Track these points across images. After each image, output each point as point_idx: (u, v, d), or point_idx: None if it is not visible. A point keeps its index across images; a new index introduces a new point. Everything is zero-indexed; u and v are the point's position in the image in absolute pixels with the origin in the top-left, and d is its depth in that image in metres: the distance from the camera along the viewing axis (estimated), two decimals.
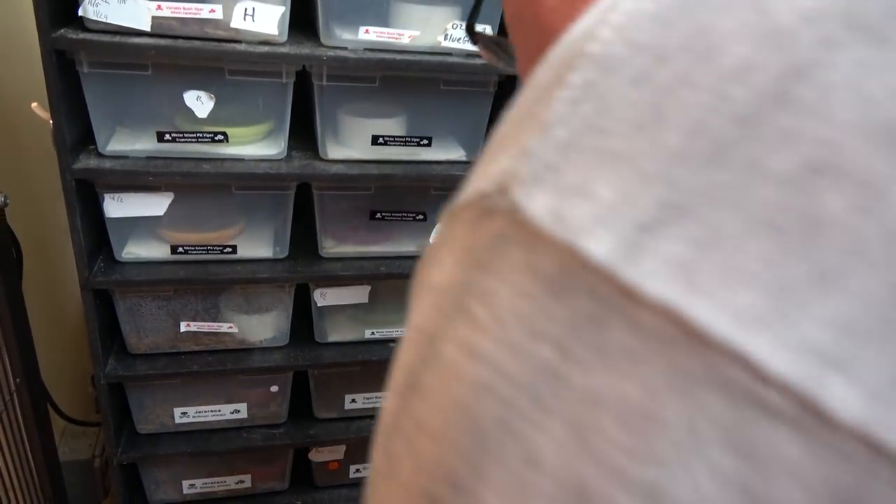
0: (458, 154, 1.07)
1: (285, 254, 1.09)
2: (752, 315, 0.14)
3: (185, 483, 1.24)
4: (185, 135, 0.95)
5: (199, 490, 1.25)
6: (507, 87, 1.02)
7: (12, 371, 1.10)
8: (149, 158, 0.95)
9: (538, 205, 0.17)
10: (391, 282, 1.15)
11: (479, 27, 0.47)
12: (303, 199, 1.06)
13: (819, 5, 0.16)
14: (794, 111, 0.15)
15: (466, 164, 1.07)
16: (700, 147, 0.15)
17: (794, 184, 0.14)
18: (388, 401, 0.23)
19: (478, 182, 0.20)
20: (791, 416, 0.14)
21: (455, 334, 0.18)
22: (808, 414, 0.13)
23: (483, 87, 1.02)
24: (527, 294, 0.17)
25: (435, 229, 0.23)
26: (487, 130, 1.07)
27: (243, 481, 1.27)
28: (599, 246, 0.16)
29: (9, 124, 1.26)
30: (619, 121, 0.17)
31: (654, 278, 0.15)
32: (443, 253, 0.20)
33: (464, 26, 0.46)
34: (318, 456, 1.28)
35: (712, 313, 0.14)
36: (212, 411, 1.17)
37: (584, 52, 0.18)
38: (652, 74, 0.17)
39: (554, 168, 0.17)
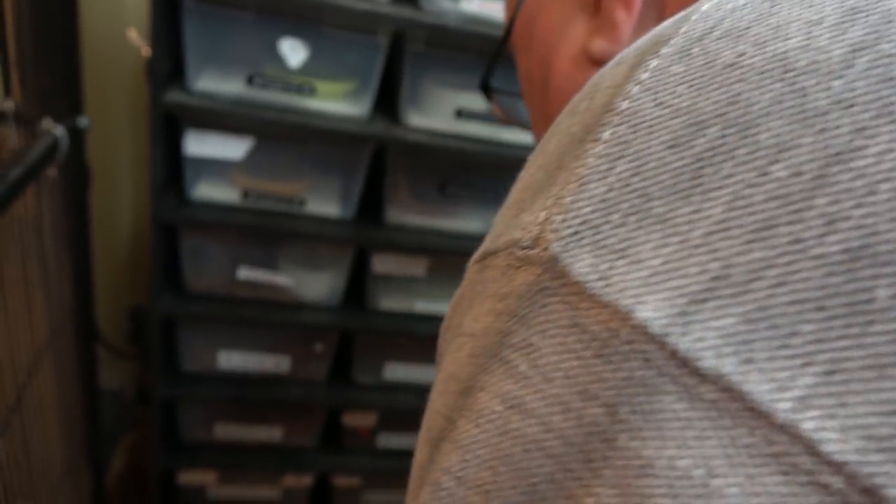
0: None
1: (351, 215, 1.08)
2: (811, 397, 0.14)
3: (219, 426, 1.25)
4: (275, 81, 0.95)
5: (230, 435, 1.26)
6: None
7: (70, 293, 1.11)
8: (235, 101, 0.94)
9: (582, 263, 0.17)
10: (450, 258, 1.15)
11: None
12: (374, 164, 1.06)
13: (849, 88, 0.16)
14: (833, 194, 0.15)
15: None
16: (743, 221, 0.16)
17: (838, 267, 0.15)
18: (419, 450, 0.23)
19: (510, 231, 0.20)
20: (853, 502, 0.14)
21: (496, 387, 0.18)
22: (869, 502, 0.14)
23: None
24: (574, 353, 0.17)
25: (464, 277, 0.24)
26: None
27: (274, 433, 1.28)
28: (653, 314, 0.16)
29: (99, 49, 1.27)
30: (658, 184, 0.17)
31: (710, 350, 0.15)
32: (475, 300, 0.20)
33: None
34: (350, 420, 1.29)
35: (773, 392, 0.15)
36: (255, 360, 1.18)
37: (614, 107, 0.18)
38: (689, 140, 0.17)
39: (594, 226, 0.17)
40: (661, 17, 0.31)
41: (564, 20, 0.37)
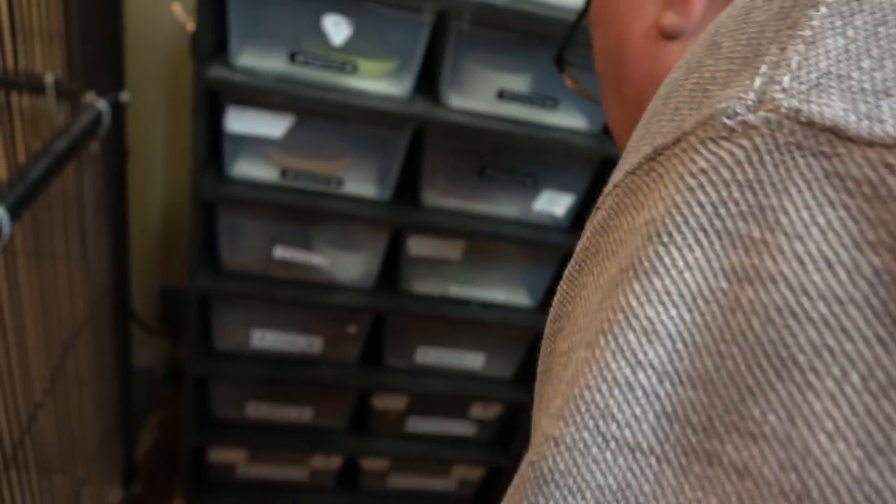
0: (581, 123, 1.04)
1: (388, 196, 1.08)
2: None
3: (250, 405, 1.26)
4: (317, 59, 0.94)
5: (261, 414, 1.27)
6: None
7: (108, 270, 1.12)
8: (277, 78, 0.94)
9: (834, 109, 0.16)
10: (485, 242, 1.14)
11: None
12: (413, 145, 1.05)
13: None
14: None
15: (588, 136, 1.04)
16: None
17: None
18: (568, 359, 0.21)
19: (690, 117, 0.19)
20: None
21: (714, 264, 0.17)
22: None
23: None
24: (835, 203, 0.16)
25: (596, 214, 0.23)
26: None
27: (304, 414, 1.28)
28: None
29: (140, 24, 1.27)
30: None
31: None
32: (651, 195, 0.19)
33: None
34: (380, 403, 1.28)
35: None
36: (288, 340, 1.18)
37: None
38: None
39: (839, 75, 0.17)
40: None
41: None
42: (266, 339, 1.17)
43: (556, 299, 0.25)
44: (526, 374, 1.31)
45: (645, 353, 0.17)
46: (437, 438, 1.37)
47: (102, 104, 0.94)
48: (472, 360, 1.26)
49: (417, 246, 1.11)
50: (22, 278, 0.77)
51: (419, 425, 1.34)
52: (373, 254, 1.12)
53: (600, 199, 0.22)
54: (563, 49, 0.51)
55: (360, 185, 1.06)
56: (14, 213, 0.68)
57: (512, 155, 1.06)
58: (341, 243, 1.10)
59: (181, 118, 1.55)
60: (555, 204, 1.10)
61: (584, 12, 0.45)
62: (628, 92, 0.42)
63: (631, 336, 0.18)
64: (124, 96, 1.01)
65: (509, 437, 1.38)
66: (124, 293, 1.21)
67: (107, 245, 1.10)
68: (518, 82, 1.00)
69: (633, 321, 0.18)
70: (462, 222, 1.08)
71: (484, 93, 1.00)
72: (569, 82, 0.54)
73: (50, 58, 0.84)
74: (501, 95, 1.00)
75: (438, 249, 1.12)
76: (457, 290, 1.18)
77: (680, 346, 0.17)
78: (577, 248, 0.23)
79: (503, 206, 1.11)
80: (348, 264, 1.12)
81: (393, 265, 1.17)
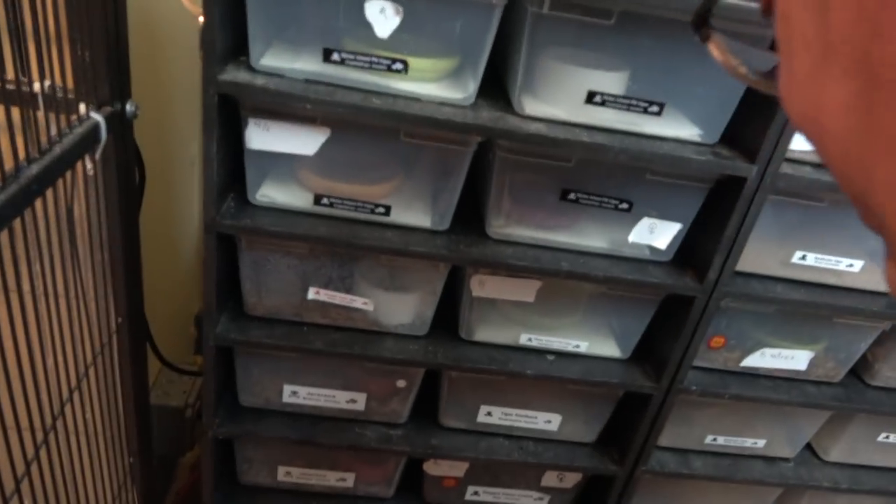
0: (690, 132, 0.81)
1: (446, 226, 0.87)
2: None
3: (281, 469, 1.07)
4: (358, 57, 0.74)
5: (294, 479, 1.08)
6: None
7: (116, 309, 0.95)
8: (308, 81, 0.75)
9: None
10: (566, 282, 0.92)
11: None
12: (476, 162, 0.84)
13: None
14: None
15: (701, 148, 0.81)
16: None
17: None
18: None
19: None
20: None
21: None
22: None
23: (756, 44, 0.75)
24: None
25: None
26: (739, 105, 0.80)
27: (345, 479, 1.08)
28: None
29: (151, 24, 1.10)
30: None
31: None
32: None
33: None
34: (435, 469, 1.08)
35: None
36: (325, 396, 0.99)
37: None
38: None
39: None
40: None
41: None
42: (299, 394, 0.98)
43: None
44: (611, 439, 1.08)
45: None
46: None
47: (99, 116, 0.77)
48: (546, 421, 1.04)
49: (482, 286, 0.90)
50: None
51: (481, 495, 1.12)
52: (427, 294, 0.92)
53: None
54: (709, 8, 0.35)
55: (412, 212, 0.86)
56: None
57: (602, 173, 0.84)
58: (388, 283, 0.90)
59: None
60: (656, 235, 0.87)
61: None
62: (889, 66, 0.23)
63: None
64: (130, 107, 0.84)
65: None
66: (142, 331, 1.04)
67: (115, 279, 0.93)
68: (612, 82, 0.78)
69: None
70: (537, 257, 0.87)
71: (568, 96, 0.79)
72: (716, 53, 0.36)
73: (43, 64, 0.67)
74: (591, 98, 0.78)
75: (508, 290, 0.91)
76: (529, 339, 0.96)
77: None
78: None
79: (589, 238, 0.89)
80: (397, 307, 0.92)
81: (451, 309, 0.97)
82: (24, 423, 0.73)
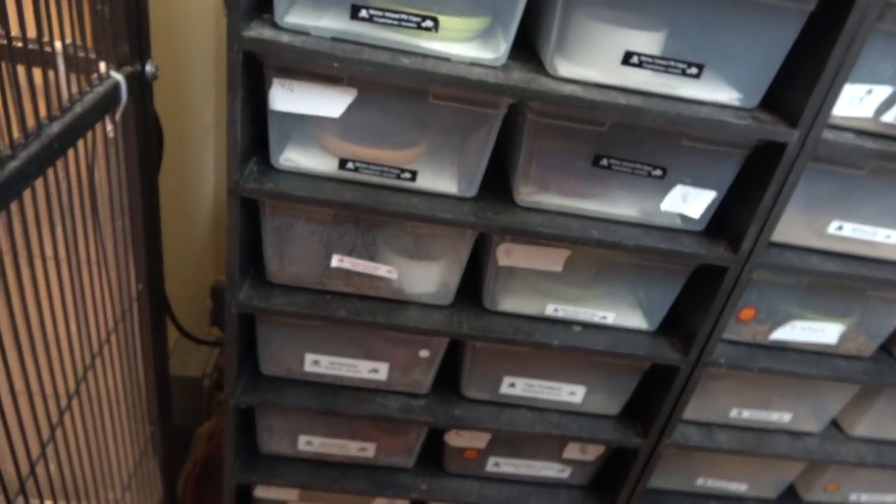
0: (729, 95, 0.78)
1: (473, 193, 0.85)
2: None
3: (302, 438, 1.06)
4: (386, 14, 0.72)
5: (315, 449, 1.07)
6: (830, 9, 0.71)
7: (136, 276, 0.94)
8: (335, 40, 0.72)
9: None
10: (593, 252, 0.90)
11: None
12: (505, 126, 0.81)
13: None
14: None
15: (741, 112, 0.78)
16: None
17: None
18: None
19: None
20: None
21: None
22: None
23: (798, 2, 0.71)
24: None
25: None
26: (781, 68, 0.77)
27: (365, 449, 1.08)
28: None
29: None
30: None
31: None
32: None
33: None
34: (456, 440, 1.07)
35: None
36: (347, 365, 0.97)
37: None
38: None
39: None
40: None
41: None
42: (321, 363, 0.97)
43: None
44: (635, 412, 1.06)
45: None
46: (524, 482, 1.14)
47: (119, 77, 0.75)
48: (570, 393, 1.03)
49: (508, 255, 0.88)
50: (13, 289, 0.59)
51: (502, 466, 1.12)
52: (452, 263, 0.90)
53: None
54: None
55: (438, 178, 0.84)
56: None
57: (636, 138, 0.81)
58: (413, 251, 0.89)
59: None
60: (689, 203, 0.85)
61: None
62: None
63: None
64: (150, 68, 0.82)
65: (610, 484, 1.14)
66: (161, 299, 1.02)
67: (135, 245, 0.92)
68: (649, 42, 0.75)
69: None
70: (566, 225, 0.84)
71: (603, 56, 0.76)
72: None
73: (59, 22, 0.64)
74: (627, 59, 0.75)
75: (536, 259, 0.89)
76: (556, 310, 0.94)
77: None
78: None
79: (620, 206, 0.86)
80: (422, 276, 0.90)
81: (476, 278, 0.95)
82: (49, 389, 0.72)
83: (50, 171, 0.63)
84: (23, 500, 0.67)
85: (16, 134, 0.57)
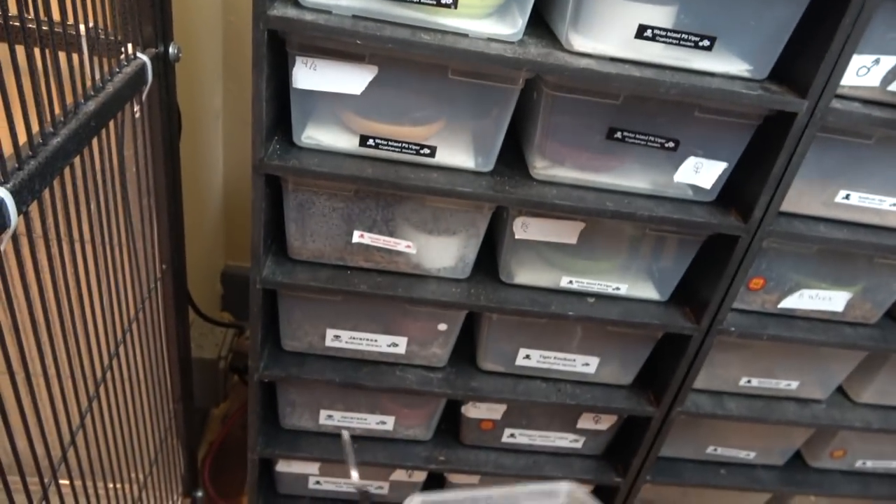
0: (740, 67, 0.80)
1: (490, 167, 0.87)
2: None
3: (323, 412, 1.09)
4: None
5: (336, 422, 1.10)
6: None
7: (160, 256, 0.96)
8: (356, 17, 0.74)
9: None
10: (607, 224, 0.92)
11: None
12: (521, 102, 0.83)
13: None
14: None
15: (751, 84, 0.80)
16: None
17: None
18: None
19: None
20: None
21: None
22: None
23: None
24: None
25: None
26: (790, 39, 0.79)
27: (385, 423, 1.10)
28: None
29: None
30: None
31: None
32: None
33: None
34: (473, 411, 1.09)
35: None
36: (367, 340, 1.00)
37: None
38: None
39: None
40: None
41: None
42: (342, 338, 1.00)
43: None
44: (647, 381, 1.09)
45: None
46: (538, 452, 1.17)
47: (145, 57, 0.76)
48: (584, 364, 1.05)
49: (524, 228, 0.90)
50: (46, 270, 0.61)
51: (517, 437, 1.15)
52: (470, 237, 0.92)
53: None
54: None
55: (456, 153, 0.86)
56: (25, 195, 0.51)
57: (650, 111, 0.83)
58: (432, 225, 0.91)
59: (243, 77, 1.38)
60: (701, 174, 0.87)
61: None
62: None
63: None
64: (173, 49, 0.83)
65: (622, 453, 1.17)
66: (182, 279, 1.05)
67: (159, 225, 0.94)
68: (662, 15, 0.77)
69: None
70: (582, 197, 0.87)
71: (617, 31, 0.78)
72: None
73: (84, 5, 0.66)
74: (641, 33, 0.77)
75: (551, 231, 0.91)
76: (570, 282, 0.97)
77: None
78: None
79: (633, 178, 0.89)
80: (440, 250, 0.93)
81: (493, 251, 0.97)
82: (86, 369, 0.74)
83: (85, 151, 0.65)
84: (55, 482, 0.69)
85: (57, 111, 0.59)
